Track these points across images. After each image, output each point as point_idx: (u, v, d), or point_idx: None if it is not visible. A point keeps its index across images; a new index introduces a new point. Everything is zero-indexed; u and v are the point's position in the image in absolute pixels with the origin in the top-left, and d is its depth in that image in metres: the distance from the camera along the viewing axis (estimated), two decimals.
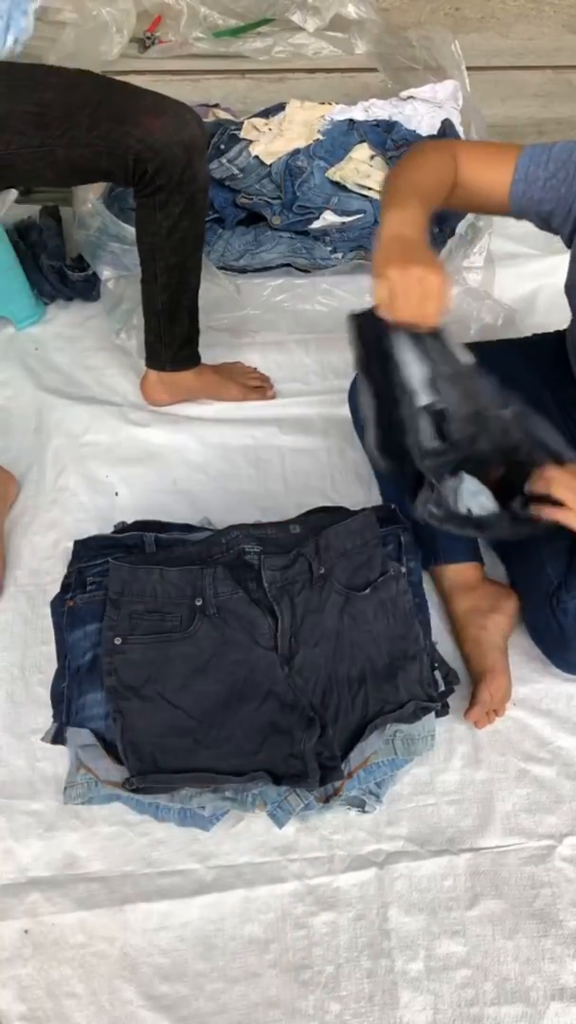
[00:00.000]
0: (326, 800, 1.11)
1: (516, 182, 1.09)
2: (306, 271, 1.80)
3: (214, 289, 1.57)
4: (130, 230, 1.56)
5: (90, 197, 1.62)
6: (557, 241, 1.35)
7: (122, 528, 1.31)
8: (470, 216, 1.68)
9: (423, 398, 1.02)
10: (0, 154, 1.22)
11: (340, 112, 1.87)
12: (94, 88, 1.24)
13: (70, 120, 1.20)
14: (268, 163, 1.78)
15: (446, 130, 1.80)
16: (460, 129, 1.83)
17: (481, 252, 1.66)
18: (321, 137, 1.81)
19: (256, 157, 1.80)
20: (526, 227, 1.90)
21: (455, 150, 1.11)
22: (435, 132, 1.83)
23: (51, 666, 1.20)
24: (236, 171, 1.78)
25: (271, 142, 1.81)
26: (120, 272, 1.68)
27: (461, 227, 1.68)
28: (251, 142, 1.82)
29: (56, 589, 1.26)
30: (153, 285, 1.40)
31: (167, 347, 1.49)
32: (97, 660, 1.14)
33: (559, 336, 1.39)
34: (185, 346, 1.50)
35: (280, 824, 1.11)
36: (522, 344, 1.42)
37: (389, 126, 1.84)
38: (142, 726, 1.07)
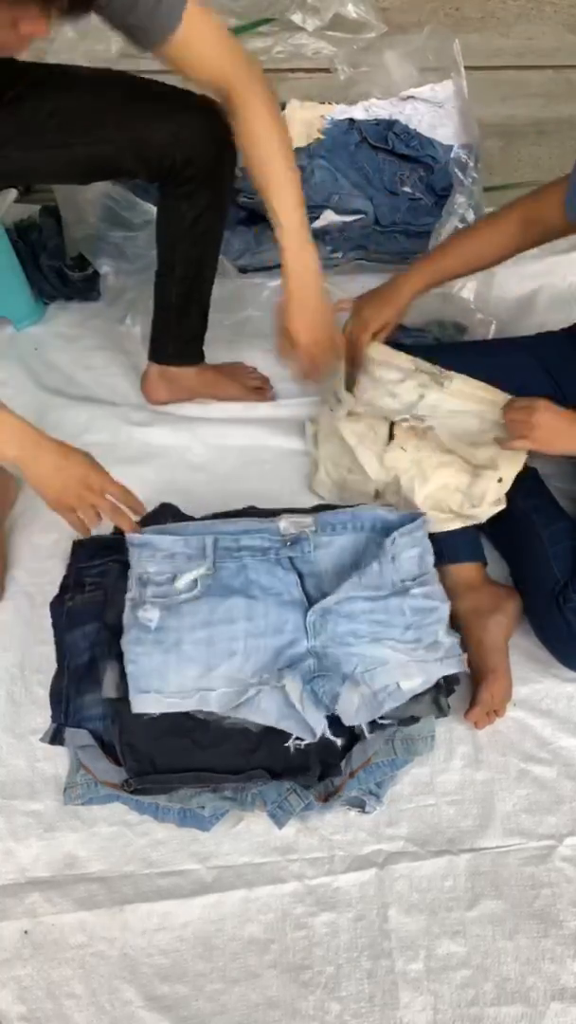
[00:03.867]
0: (326, 799, 1.11)
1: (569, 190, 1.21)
2: None
3: (214, 289, 1.57)
4: (143, 209, 1.56)
5: (90, 187, 1.61)
6: (558, 242, 1.36)
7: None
8: None
9: None
10: (21, 157, 1.22)
11: (340, 112, 1.87)
12: (122, 87, 1.23)
13: (95, 119, 1.20)
14: None
15: None
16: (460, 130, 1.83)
17: None
18: (321, 137, 1.82)
19: None
20: None
21: (516, 208, 1.29)
22: (436, 132, 1.84)
23: (51, 666, 1.20)
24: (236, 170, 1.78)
25: None
26: (120, 265, 1.68)
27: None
28: None
29: (56, 589, 1.26)
30: (169, 277, 1.39)
31: (173, 340, 1.49)
32: (95, 660, 1.14)
33: (565, 333, 1.39)
34: (192, 342, 1.50)
35: (280, 824, 1.11)
36: (528, 341, 1.41)
37: (389, 125, 1.84)
38: (140, 727, 1.07)
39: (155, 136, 1.21)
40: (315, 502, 1.40)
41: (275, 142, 1.15)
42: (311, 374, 1.31)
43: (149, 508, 1.43)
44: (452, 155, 1.71)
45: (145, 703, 1.06)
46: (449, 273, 1.36)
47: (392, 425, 1.32)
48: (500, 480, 1.27)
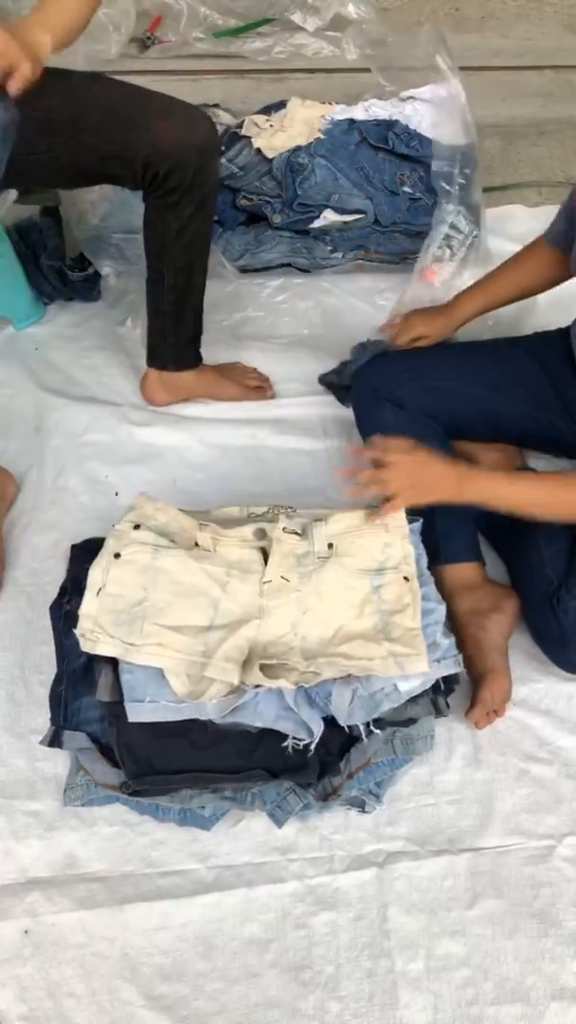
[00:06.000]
0: (324, 799, 1.11)
1: (546, 236, 1.35)
2: (306, 271, 1.80)
3: (214, 289, 1.57)
4: (142, 210, 1.56)
5: (95, 188, 1.61)
6: None
7: None
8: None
9: None
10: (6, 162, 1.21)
11: (341, 112, 1.87)
12: (103, 93, 1.23)
13: (77, 126, 1.20)
14: (270, 157, 1.78)
15: None
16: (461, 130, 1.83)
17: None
18: (322, 136, 1.82)
19: (258, 151, 1.80)
20: (526, 227, 1.91)
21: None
22: (436, 132, 1.84)
23: (51, 666, 1.20)
24: (236, 170, 1.78)
25: (272, 136, 1.82)
26: (121, 266, 1.68)
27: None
28: (252, 138, 1.82)
29: (56, 589, 1.26)
30: (160, 285, 1.39)
31: (171, 347, 1.49)
32: (92, 663, 1.13)
33: (562, 334, 1.39)
34: (189, 346, 1.50)
35: (279, 823, 1.11)
36: (526, 342, 1.42)
37: (389, 125, 1.84)
38: (138, 729, 1.07)
39: (137, 147, 1.20)
40: (317, 501, 1.40)
41: None
42: None
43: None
44: (433, 168, 1.71)
45: (141, 712, 1.06)
46: (502, 299, 1.43)
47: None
48: (407, 579, 1.16)
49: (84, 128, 1.20)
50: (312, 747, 1.08)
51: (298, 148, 1.79)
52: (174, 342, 1.48)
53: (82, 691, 1.14)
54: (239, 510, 1.25)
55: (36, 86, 1.18)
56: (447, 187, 1.70)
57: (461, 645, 1.28)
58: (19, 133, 1.17)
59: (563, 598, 1.21)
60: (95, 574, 1.11)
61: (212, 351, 1.57)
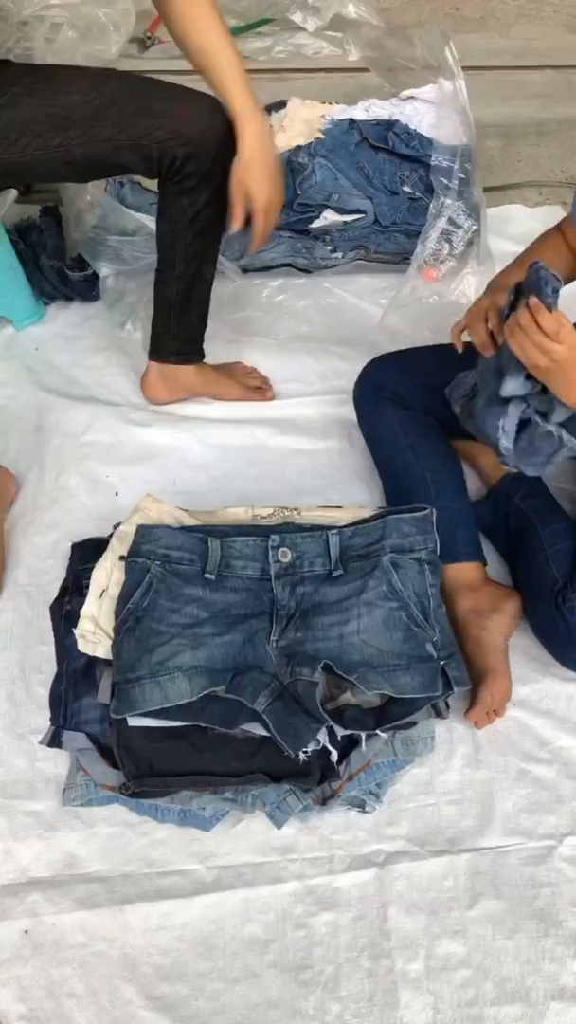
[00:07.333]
0: (323, 802, 1.11)
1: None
2: (306, 271, 1.80)
3: (214, 289, 1.57)
4: (133, 218, 1.56)
5: (88, 189, 1.62)
6: None
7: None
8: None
9: None
10: (17, 158, 1.22)
11: (341, 112, 1.87)
12: (121, 86, 1.24)
13: (95, 119, 1.21)
14: None
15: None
16: (463, 129, 1.82)
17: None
18: (322, 136, 1.82)
19: None
20: (526, 227, 1.91)
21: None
22: (436, 132, 1.83)
23: (51, 666, 1.20)
24: None
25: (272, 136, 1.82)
26: (119, 267, 1.69)
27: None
28: None
29: (57, 589, 1.26)
30: (170, 274, 1.40)
31: (175, 339, 1.49)
32: (93, 663, 1.13)
33: None
34: (192, 339, 1.50)
35: (279, 824, 1.11)
36: None
37: (389, 125, 1.84)
38: (138, 731, 1.07)
39: (156, 133, 1.21)
40: (317, 502, 1.40)
41: (215, 29, 1.23)
42: (263, 237, 1.35)
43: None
44: (432, 162, 1.71)
45: (141, 716, 1.06)
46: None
47: None
48: None
49: (101, 120, 1.21)
50: (328, 748, 1.07)
51: (298, 148, 1.79)
52: (178, 333, 1.48)
53: (82, 691, 1.14)
54: (244, 511, 1.25)
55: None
56: (446, 182, 1.70)
57: (461, 645, 1.28)
58: (32, 130, 1.18)
59: (568, 597, 1.21)
60: (99, 575, 1.11)
61: (212, 350, 1.57)
